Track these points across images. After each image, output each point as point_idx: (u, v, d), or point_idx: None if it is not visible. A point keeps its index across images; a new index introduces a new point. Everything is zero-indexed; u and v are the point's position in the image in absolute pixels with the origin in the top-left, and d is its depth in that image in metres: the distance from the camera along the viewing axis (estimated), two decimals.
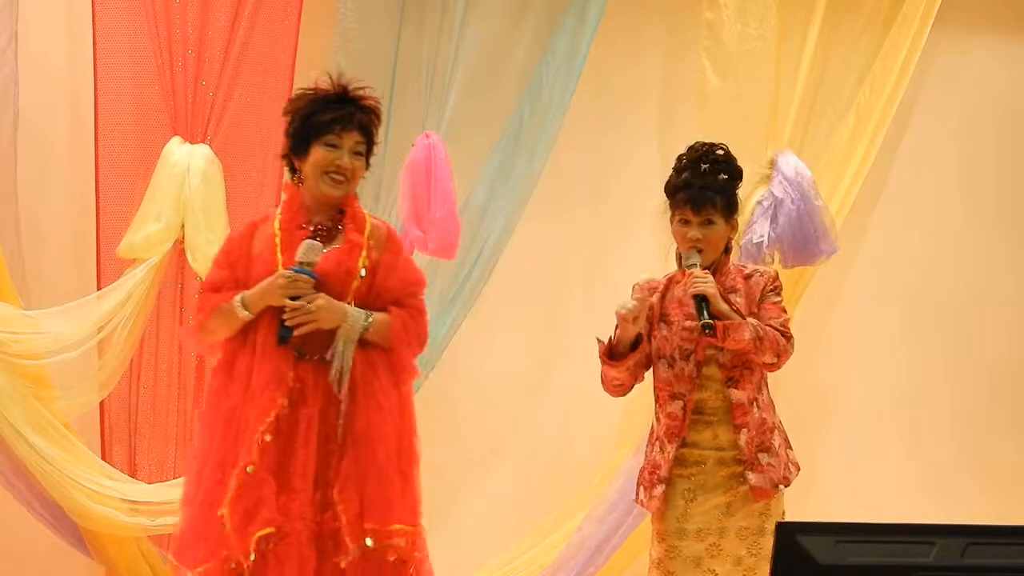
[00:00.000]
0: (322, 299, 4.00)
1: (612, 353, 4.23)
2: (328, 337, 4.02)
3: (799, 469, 4.27)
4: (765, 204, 5.44)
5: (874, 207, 5.97)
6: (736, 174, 4.25)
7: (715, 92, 5.52)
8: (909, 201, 6.05)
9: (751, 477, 4.15)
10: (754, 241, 5.37)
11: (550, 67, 5.45)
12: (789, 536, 2.86)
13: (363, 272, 4.09)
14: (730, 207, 4.23)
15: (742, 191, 4.35)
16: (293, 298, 3.97)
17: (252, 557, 3.87)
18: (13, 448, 4.97)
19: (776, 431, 4.24)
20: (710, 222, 4.19)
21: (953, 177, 6.11)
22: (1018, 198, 6.14)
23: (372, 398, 4.04)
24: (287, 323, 3.98)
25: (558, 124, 5.44)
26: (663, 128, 5.81)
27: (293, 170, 4.14)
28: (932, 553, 2.85)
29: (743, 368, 4.18)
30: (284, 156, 4.16)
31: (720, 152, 4.24)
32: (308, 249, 4.01)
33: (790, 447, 4.28)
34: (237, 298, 4.02)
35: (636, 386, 5.52)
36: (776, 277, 4.32)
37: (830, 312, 5.85)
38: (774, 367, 4.19)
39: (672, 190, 4.23)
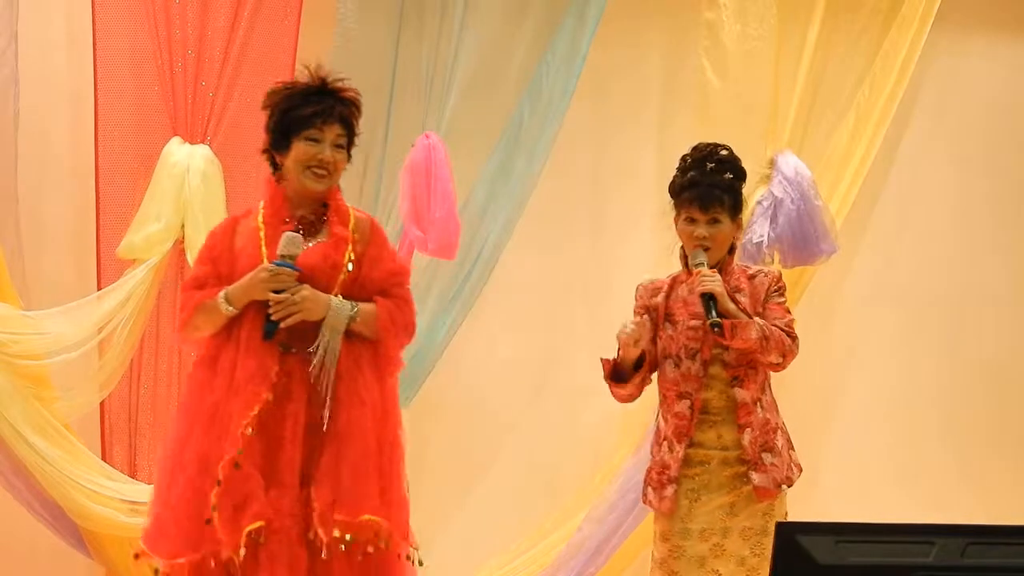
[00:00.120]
0: (306, 290, 3.99)
1: (617, 374, 4.21)
2: (314, 330, 4.01)
3: (801, 470, 4.28)
4: (765, 204, 5.44)
5: (874, 207, 5.97)
6: (741, 174, 4.28)
7: (715, 92, 5.52)
8: (909, 201, 6.05)
9: (755, 477, 4.16)
10: (754, 241, 5.38)
11: (550, 67, 5.45)
12: (789, 536, 2.86)
13: (350, 266, 4.09)
14: (736, 206, 4.25)
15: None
16: (277, 291, 3.96)
17: (242, 552, 3.86)
18: (13, 448, 4.98)
19: (779, 431, 4.25)
20: (716, 221, 4.20)
21: (952, 177, 6.11)
22: (1017, 198, 6.14)
23: (355, 394, 4.03)
24: (272, 317, 3.97)
25: (558, 124, 5.44)
26: (663, 128, 5.81)
27: (275, 165, 4.13)
28: (932, 553, 2.86)
29: (747, 368, 4.19)
30: (265, 151, 4.14)
31: (724, 152, 4.26)
32: (289, 242, 3.99)
33: (792, 448, 4.29)
34: (221, 294, 4.00)
35: None
36: (780, 278, 4.34)
37: (830, 312, 5.85)
38: (779, 367, 4.20)
39: (678, 189, 4.24)
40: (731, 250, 4.29)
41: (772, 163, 5.50)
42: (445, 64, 5.36)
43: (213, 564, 3.89)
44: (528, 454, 5.76)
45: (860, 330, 5.97)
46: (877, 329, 6.02)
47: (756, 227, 5.42)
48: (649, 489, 4.25)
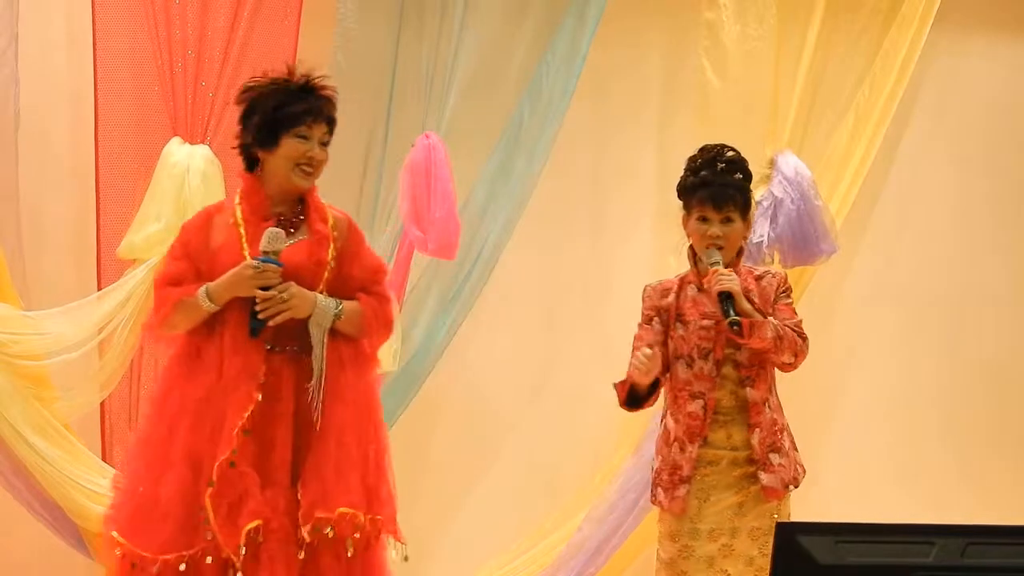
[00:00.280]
0: (294, 288, 3.99)
1: (632, 398, 4.21)
2: (299, 328, 4.01)
3: (804, 471, 4.29)
4: (765, 204, 5.44)
5: (874, 207, 5.98)
6: (748, 174, 4.30)
7: (715, 92, 5.52)
8: (909, 201, 6.06)
9: (763, 477, 4.17)
10: (754, 241, 5.37)
11: (550, 67, 5.45)
12: (789, 536, 2.86)
13: (332, 263, 4.09)
14: (747, 206, 4.27)
15: None
16: (263, 288, 3.95)
17: (243, 551, 3.86)
18: (13, 449, 4.97)
19: (785, 432, 4.27)
20: (730, 220, 4.21)
21: (952, 177, 6.11)
22: (1017, 198, 6.14)
23: (338, 392, 4.04)
24: (260, 315, 3.97)
25: (558, 124, 5.44)
26: (663, 128, 5.81)
27: (252, 161, 4.10)
28: (932, 553, 2.86)
29: (758, 368, 4.21)
30: (244, 147, 4.11)
31: (732, 153, 4.28)
32: (273, 237, 3.98)
33: (796, 449, 4.30)
34: (201, 290, 3.98)
35: None
36: (786, 279, 4.37)
37: (830, 312, 5.85)
38: (791, 367, 4.22)
39: (691, 188, 4.25)
40: (739, 252, 4.30)
41: (772, 163, 5.50)
42: (445, 64, 5.36)
43: (211, 561, 3.89)
44: (528, 454, 5.76)
45: (860, 330, 5.97)
46: (877, 329, 6.03)
47: (756, 227, 5.41)
48: (659, 490, 4.25)
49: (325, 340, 4.03)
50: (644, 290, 4.33)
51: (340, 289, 4.11)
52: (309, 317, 4.02)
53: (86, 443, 5.11)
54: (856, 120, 5.66)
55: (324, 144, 4.10)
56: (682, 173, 4.31)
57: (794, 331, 4.19)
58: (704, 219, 4.21)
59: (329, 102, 4.12)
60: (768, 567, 4.10)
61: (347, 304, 4.08)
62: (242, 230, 4.05)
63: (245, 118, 4.10)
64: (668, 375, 4.28)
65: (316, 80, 4.11)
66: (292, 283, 4.00)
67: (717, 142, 4.35)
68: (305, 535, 3.94)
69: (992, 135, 6.14)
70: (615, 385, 4.24)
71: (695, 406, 4.20)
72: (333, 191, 5.27)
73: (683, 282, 4.31)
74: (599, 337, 5.78)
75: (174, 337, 4.09)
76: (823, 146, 5.64)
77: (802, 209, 5.43)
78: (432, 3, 5.38)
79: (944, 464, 5.98)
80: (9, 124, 5.09)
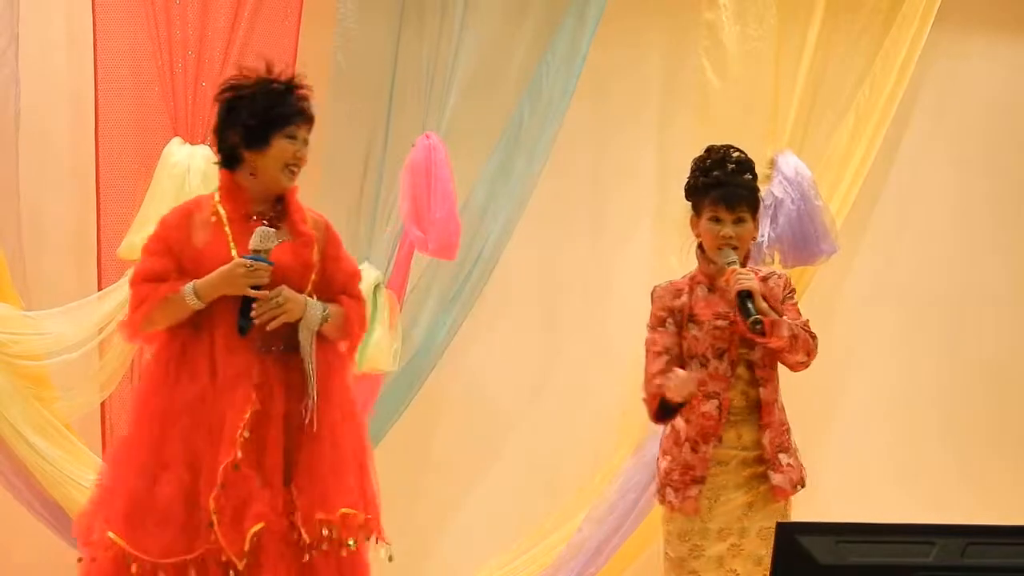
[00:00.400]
0: (287, 291, 4.00)
1: (663, 409, 4.19)
2: (284, 328, 4.01)
3: (805, 473, 4.31)
4: (765, 204, 5.43)
5: (874, 207, 5.98)
6: (756, 175, 4.32)
7: (715, 92, 5.52)
8: (909, 201, 6.06)
9: (774, 477, 4.20)
10: (755, 241, 5.38)
11: (550, 67, 5.45)
12: (790, 536, 2.87)
13: (317, 266, 4.11)
14: (757, 206, 4.30)
15: None
16: (254, 287, 3.95)
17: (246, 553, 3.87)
18: (14, 449, 4.97)
19: (790, 432, 4.29)
20: (742, 220, 4.23)
21: (952, 177, 6.12)
22: (1017, 199, 6.15)
23: (326, 395, 4.05)
24: (257, 319, 3.96)
25: (558, 124, 5.44)
26: (663, 129, 5.82)
27: (235, 159, 4.07)
28: (932, 553, 2.86)
29: (770, 368, 4.24)
30: (228, 145, 4.08)
31: (740, 153, 4.30)
32: (264, 236, 3.97)
33: (797, 449, 4.32)
34: (188, 287, 3.96)
35: (632, 388, 5.55)
36: (790, 280, 4.40)
37: (830, 312, 5.85)
38: (803, 366, 4.24)
39: (702, 189, 4.25)
40: (747, 253, 4.31)
41: (772, 163, 5.50)
42: (445, 64, 5.36)
43: (211, 564, 3.88)
44: (528, 454, 5.76)
45: (860, 330, 5.98)
46: (877, 329, 6.03)
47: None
48: (669, 490, 4.24)
49: (309, 343, 4.04)
50: (654, 291, 4.32)
51: (322, 291, 4.12)
52: (298, 320, 4.02)
53: (86, 443, 5.11)
54: (856, 120, 5.66)
55: (306, 143, 4.12)
56: (690, 174, 4.31)
57: (805, 330, 4.21)
58: (716, 219, 4.22)
59: (308, 100, 4.13)
60: None
61: (332, 307, 4.10)
62: (228, 229, 4.04)
63: (231, 116, 4.07)
64: None
65: (297, 78, 4.12)
66: (284, 287, 4.00)
67: (719, 142, 4.37)
68: (305, 536, 3.94)
69: (992, 135, 6.14)
70: (646, 400, 4.21)
71: (709, 406, 4.21)
72: (333, 191, 5.30)
73: (692, 282, 4.31)
74: (599, 337, 5.79)
75: (153, 335, 4.06)
76: (823, 146, 5.65)
77: (802, 209, 5.43)
78: (432, 3, 5.38)
79: (944, 464, 5.99)
80: (10, 124, 5.09)
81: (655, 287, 4.32)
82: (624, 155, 5.86)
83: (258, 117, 4.03)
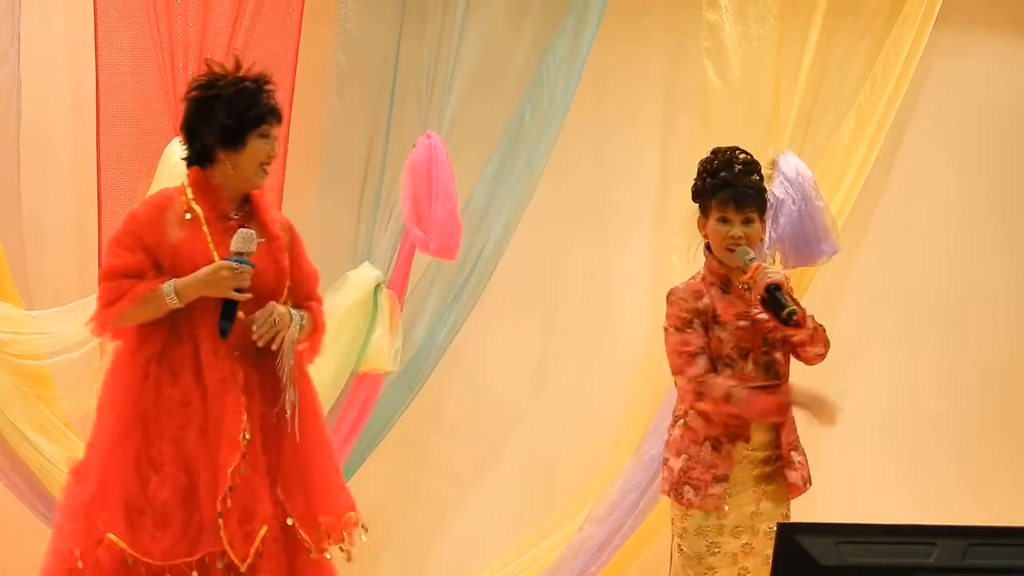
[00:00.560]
0: (279, 308, 4.02)
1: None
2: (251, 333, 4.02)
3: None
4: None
5: (875, 208, 5.98)
6: (762, 176, 4.34)
7: (716, 93, 5.52)
8: (910, 202, 6.06)
9: (790, 475, 4.25)
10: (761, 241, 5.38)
11: (550, 68, 5.45)
12: (790, 537, 2.87)
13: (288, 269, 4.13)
14: (764, 206, 4.32)
15: None
16: (236, 290, 3.94)
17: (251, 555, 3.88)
18: (15, 448, 4.98)
19: (797, 431, 4.33)
20: (750, 221, 4.25)
21: (953, 178, 6.12)
22: (1018, 198, 6.14)
23: (302, 399, 4.08)
24: (259, 340, 3.97)
25: (559, 125, 5.44)
26: (664, 130, 5.82)
27: (208, 158, 4.06)
28: (933, 554, 2.86)
29: (786, 367, 4.28)
30: (204, 145, 4.06)
31: (746, 155, 4.32)
32: (247, 239, 3.96)
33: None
34: (168, 287, 3.94)
35: (632, 388, 5.56)
36: (788, 279, 4.45)
37: (831, 312, 5.84)
38: (821, 358, 4.29)
39: (711, 190, 4.26)
40: None
41: (773, 163, 5.50)
42: (446, 64, 5.36)
43: (215, 567, 3.89)
44: (529, 454, 5.77)
45: (861, 330, 5.97)
46: (878, 329, 6.03)
47: None
48: (688, 488, 4.23)
49: (290, 353, 4.06)
50: (673, 293, 4.29)
51: (291, 295, 4.13)
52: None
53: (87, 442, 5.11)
54: (857, 120, 5.66)
55: (276, 139, 4.12)
56: (696, 176, 4.32)
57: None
58: (725, 220, 4.24)
59: (276, 97, 4.13)
60: None
61: (305, 314, 4.13)
62: (206, 228, 4.02)
63: (206, 115, 4.05)
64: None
65: (265, 75, 4.12)
66: (273, 303, 4.02)
67: (722, 143, 4.40)
68: (306, 539, 3.96)
69: (993, 135, 6.14)
70: (700, 405, 4.19)
71: None
72: (334, 190, 5.31)
73: (706, 283, 4.31)
74: (599, 337, 5.79)
75: (121, 329, 4.03)
76: (824, 146, 5.64)
77: (803, 210, 5.43)
78: (433, 3, 5.38)
79: (945, 464, 5.99)
80: (11, 123, 5.10)
81: (673, 289, 4.30)
82: (625, 155, 5.86)
83: (235, 117, 4.02)
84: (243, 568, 3.88)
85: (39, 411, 5.03)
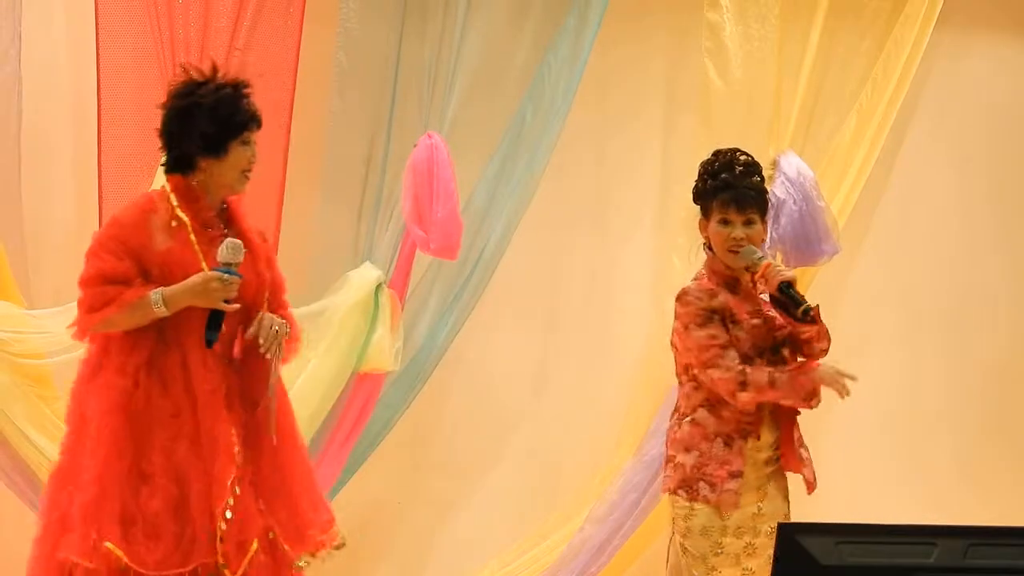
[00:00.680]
0: (276, 319, 4.04)
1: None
2: (233, 339, 4.03)
3: None
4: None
5: (875, 208, 5.98)
6: (763, 177, 4.35)
7: (717, 93, 5.53)
8: (911, 202, 6.06)
9: (805, 472, 4.28)
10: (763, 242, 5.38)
11: (552, 68, 5.45)
12: (790, 537, 2.87)
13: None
14: (766, 207, 4.33)
15: None
16: (225, 300, 3.94)
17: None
18: (15, 447, 4.98)
19: None
20: (752, 222, 4.25)
21: (954, 179, 6.12)
22: (1019, 199, 6.15)
23: (282, 409, 4.11)
24: (268, 353, 3.99)
25: (560, 125, 5.44)
26: (666, 130, 5.82)
27: (189, 166, 4.03)
28: (933, 554, 2.87)
29: (793, 363, 4.29)
30: (186, 154, 4.03)
31: (746, 156, 4.32)
32: (235, 249, 3.95)
33: None
34: (156, 295, 3.91)
35: (633, 388, 5.55)
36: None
37: (832, 312, 5.83)
38: (825, 353, 4.31)
39: (711, 192, 4.26)
40: None
41: (774, 164, 5.51)
42: (447, 64, 5.37)
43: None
44: (530, 454, 5.77)
45: (862, 330, 5.97)
46: (878, 329, 6.03)
47: None
48: (702, 484, 4.21)
49: (278, 361, 4.08)
50: (687, 293, 4.26)
51: (268, 303, 4.14)
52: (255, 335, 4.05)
53: None
54: (858, 121, 5.66)
55: (255, 144, 4.10)
56: (697, 178, 4.32)
57: None
58: (726, 222, 4.24)
59: (253, 101, 4.11)
60: None
61: (284, 323, 4.13)
62: (193, 237, 4.00)
63: (185, 123, 4.01)
64: None
65: (242, 80, 4.10)
66: (270, 314, 4.04)
67: (723, 144, 4.41)
68: (292, 552, 4.00)
69: (994, 136, 6.14)
70: (746, 397, 4.17)
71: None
72: (335, 190, 5.31)
73: (714, 284, 4.30)
74: (601, 337, 5.79)
75: (111, 341, 3.99)
76: (825, 146, 5.65)
77: (804, 210, 5.44)
78: (434, 3, 5.39)
79: (945, 464, 5.99)
80: (12, 123, 5.10)
81: (686, 289, 4.28)
82: (626, 155, 5.87)
83: (217, 125, 3.99)
84: None
85: (40, 410, 5.03)
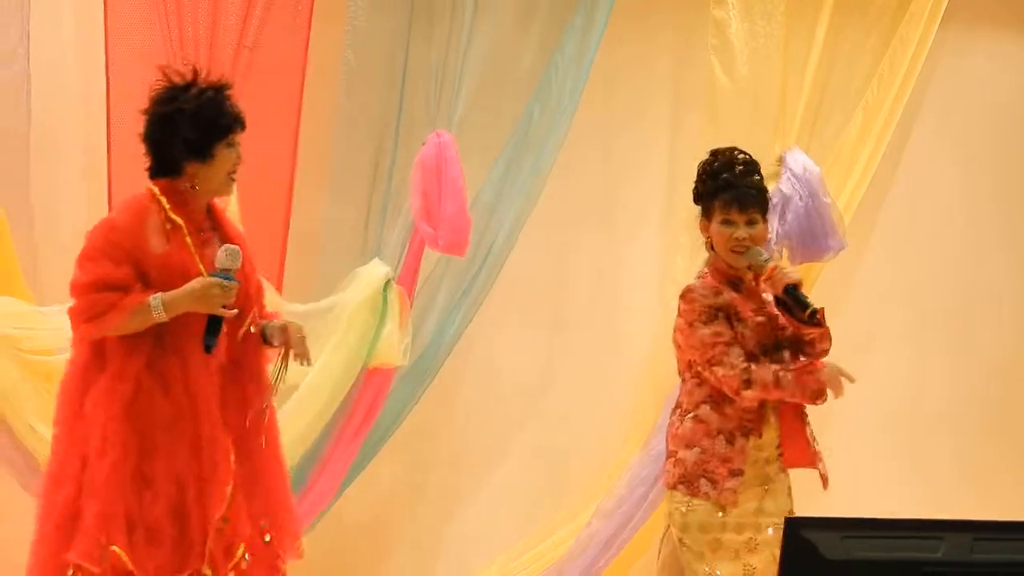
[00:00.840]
0: (291, 323, 4.09)
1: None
2: (232, 349, 4.05)
3: None
4: (774, 201, 5.42)
5: (882, 204, 5.99)
6: (762, 176, 4.35)
7: (724, 90, 5.54)
8: (916, 199, 6.07)
9: (820, 467, 4.31)
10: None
11: (558, 67, 5.46)
12: (796, 531, 2.88)
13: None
14: (767, 206, 4.34)
15: None
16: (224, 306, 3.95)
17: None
18: (24, 441, 4.99)
19: None
20: (753, 222, 4.26)
21: (959, 175, 6.13)
22: (1018, 199, 6.16)
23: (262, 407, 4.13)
24: (303, 359, 4.04)
25: (567, 124, 5.45)
26: (673, 128, 5.83)
27: (175, 170, 4.02)
28: (940, 549, 2.87)
29: (795, 363, 4.30)
30: (172, 158, 4.02)
31: (745, 155, 4.32)
32: (234, 255, 3.95)
33: None
34: (156, 301, 3.89)
35: (640, 383, 5.57)
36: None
37: (837, 308, 5.85)
38: (826, 354, 4.31)
39: (713, 191, 4.27)
40: None
41: (781, 160, 5.52)
42: (455, 62, 5.37)
43: None
44: (537, 451, 5.79)
45: (867, 327, 5.98)
46: (884, 326, 6.04)
47: None
48: (703, 480, 4.24)
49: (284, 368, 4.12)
50: (691, 291, 4.28)
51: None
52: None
53: None
54: (864, 117, 5.68)
55: (240, 146, 4.09)
56: (696, 178, 4.33)
57: None
58: (728, 222, 4.24)
59: (235, 102, 4.10)
60: None
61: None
62: (189, 240, 4.00)
63: (168, 128, 4.01)
64: None
65: (225, 82, 4.10)
66: (290, 321, 4.09)
67: (729, 141, 4.41)
68: (281, 555, 4.04)
69: (999, 134, 6.15)
70: (754, 393, 4.20)
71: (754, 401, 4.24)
72: (344, 188, 5.32)
73: (717, 282, 4.32)
74: (608, 334, 5.81)
75: (110, 345, 3.96)
76: (831, 143, 5.66)
77: (810, 206, 5.45)
78: (442, 2, 5.40)
79: (949, 463, 6.00)
80: (21, 122, 5.10)
81: (690, 286, 4.30)
82: (633, 153, 5.88)
83: (201, 130, 3.98)
84: None
85: (48, 406, 5.02)
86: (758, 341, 4.25)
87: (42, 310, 5.06)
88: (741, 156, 4.30)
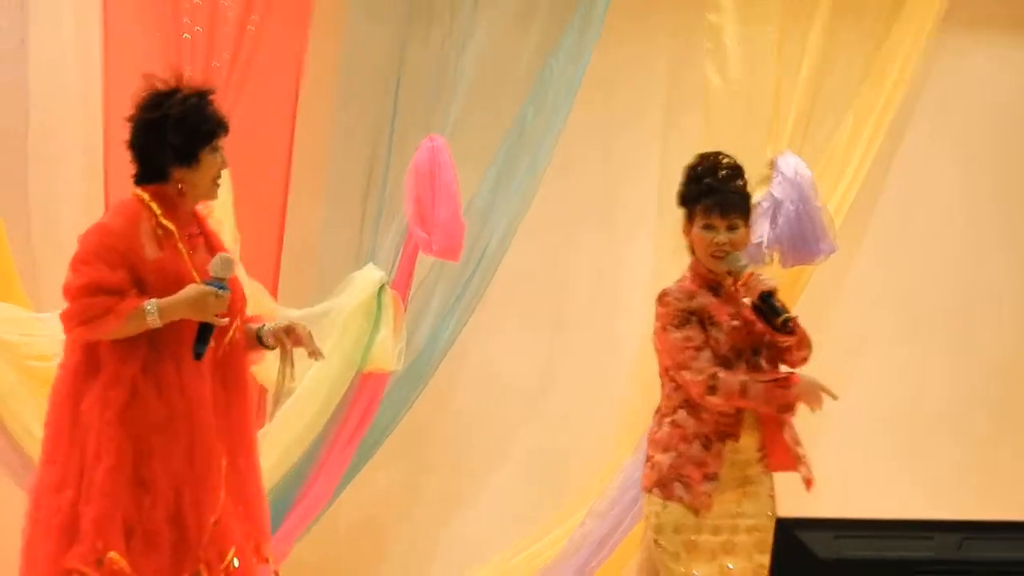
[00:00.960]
0: (301, 324, 4.09)
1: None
2: (223, 354, 4.06)
3: None
4: (765, 205, 5.44)
5: (873, 207, 5.99)
6: (746, 181, 4.36)
7: (718, 93, 5.55)
8: (913, 200, 6.07)
9: (802, 470, 4.31)
10: (754, 241, 5.39)
11: (554, 69, 5.47)
12: (789, 531, 2.90)
13: None
14: (749, 212, 4.34)
15: None
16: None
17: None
18: (21, 445, 5.01)
19: None
20: (734, 227, 4.26)
21: (953, 178, 6.13)
22: (1018, 199, 6.16)
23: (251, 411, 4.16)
24: (316, 355, 4.07)
25: (561, 125, 5.46)
26: (667, 130, 5.84)
27: (162, 176, 4.02)
28: (930, 548, 2.89)
29: (772, 368, 4.31)
30: (158, 165, 4.02)
31: (730, 159, 4.33)
32: (227, 264, 3.97)
33: None
34: (151, 307, 3.87)
35: (630, 385, 5.57)
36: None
37: (829, 312, 5.87)
38: (806, 362, 4.32)
39: (695, 196, 4.28)
40: None
41: (772, 164, 5.52)
42: (451, 67, 5.39)
43: None
44: (534, 454, 5.79)
45: (863, 328, 5.99)
46: (880, 327, 6.04)
47: (756, 228, 5.42)
48: (678, 484, 4.25)
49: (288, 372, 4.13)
50: (666, 294, 4.31)
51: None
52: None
53: None
54: (856, 120, 5.68)
55: (223, 150, 4.11)
56: (681, 182, 4.34)
57: None
58: (709, 227, 4.25)
59: (218, 106, 4.11)
60: (768, 563, 4.15)
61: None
62: (181, 246, 4.00)
63: (152, 135, 4.00)
64: None
65: (208, 87, 4.11)
66: (296, 322, 4.10)
67: (723, 144, 4.43)
68: (265, 562, 4.05)
69: (998, 135, 6.15)
70: (714, 398, 4.21)
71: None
72: (338, 192, 5.33)
73: (695, 286, 4.32)
74: (603, 336, 5.81)
75: (103, 350, 3.95)
76: (823, 147, 5.66)
77: (801, 210, 5.45)
78: (439, 8, 5.41)
79: (947, 463, 5.99)
80: (19, 125, 5.11)
81: (666, 290, 4.32)
82: (631, 153, 5.89)
83: (185, 136, 3.99)
84: None
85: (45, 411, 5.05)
86: (732, 345, 4.25)
87: (39, 316, 5.07)
88: (726, 161, 4.31)
